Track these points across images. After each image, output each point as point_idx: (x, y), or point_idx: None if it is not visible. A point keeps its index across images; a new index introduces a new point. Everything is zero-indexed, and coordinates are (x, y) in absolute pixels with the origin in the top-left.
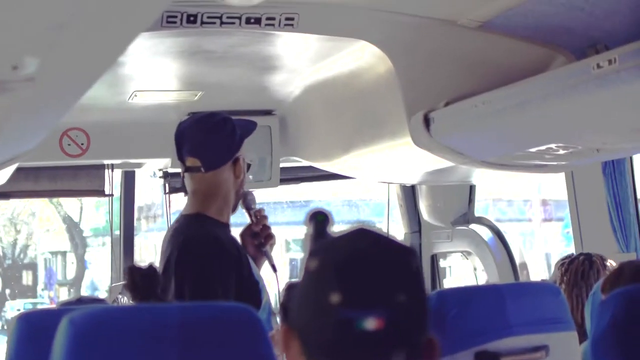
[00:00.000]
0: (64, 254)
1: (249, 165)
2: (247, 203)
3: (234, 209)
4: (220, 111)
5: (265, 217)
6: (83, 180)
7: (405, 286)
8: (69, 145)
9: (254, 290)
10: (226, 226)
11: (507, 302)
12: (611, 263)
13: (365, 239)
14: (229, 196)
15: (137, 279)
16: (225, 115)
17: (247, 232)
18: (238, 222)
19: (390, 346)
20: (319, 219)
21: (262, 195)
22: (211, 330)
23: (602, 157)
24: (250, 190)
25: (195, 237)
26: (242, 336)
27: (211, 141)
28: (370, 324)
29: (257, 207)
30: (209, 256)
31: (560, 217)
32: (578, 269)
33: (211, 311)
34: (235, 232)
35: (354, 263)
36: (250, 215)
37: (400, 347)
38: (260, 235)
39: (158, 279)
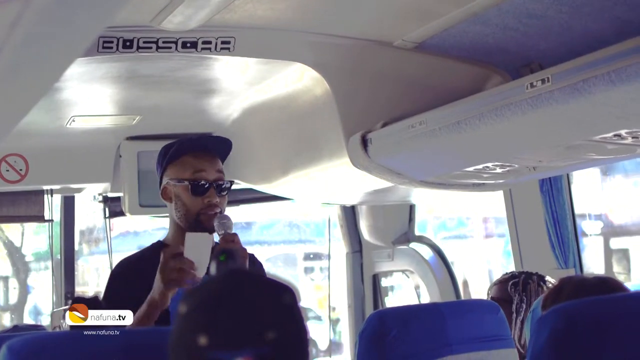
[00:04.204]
0: (5, 279)
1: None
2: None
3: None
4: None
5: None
6: (22, 206)
7: (276, 323)
8: (7, 171)
9: None
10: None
11: (447, 320)
12: (550, 280)
13: (233, 280)
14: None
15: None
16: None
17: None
18: None
19: None
20: (221, 259)
21: None
22: (154, 355)
23: (538, 175)
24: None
25: None
26: None
27: None
28: None
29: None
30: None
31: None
32: (519, 286)
33: (154, 336)
34: None
35: (220, 304)
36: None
37: None
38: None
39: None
